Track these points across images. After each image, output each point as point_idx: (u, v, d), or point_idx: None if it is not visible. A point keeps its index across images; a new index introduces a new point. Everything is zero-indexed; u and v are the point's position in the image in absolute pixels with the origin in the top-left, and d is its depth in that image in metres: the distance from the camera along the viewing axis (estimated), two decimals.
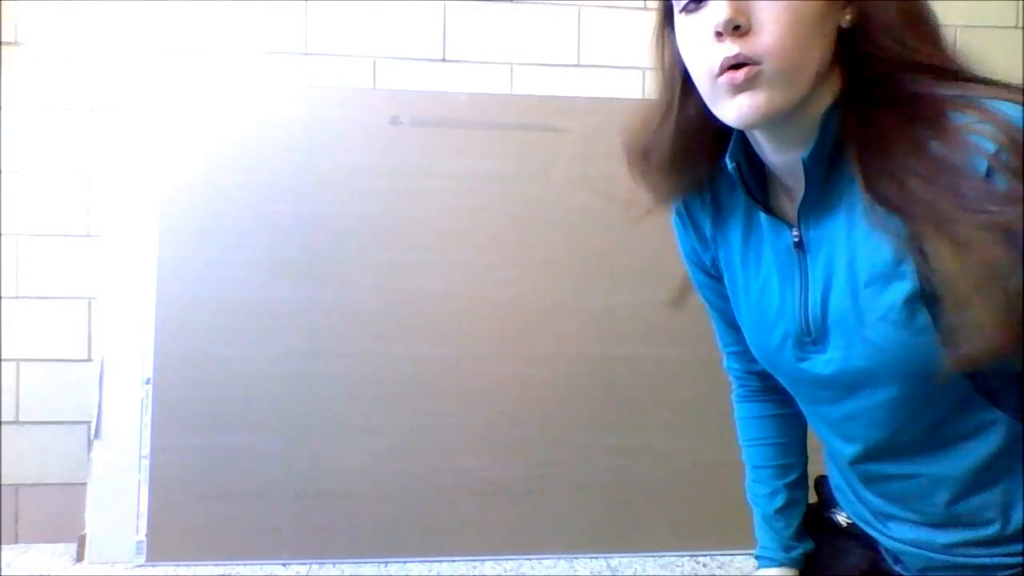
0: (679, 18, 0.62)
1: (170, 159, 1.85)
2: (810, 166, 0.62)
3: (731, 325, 0.84)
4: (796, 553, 0.84)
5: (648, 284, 1.87)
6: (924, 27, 0.61)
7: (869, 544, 0.80)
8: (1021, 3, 2.14)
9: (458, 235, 1.89)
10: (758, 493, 0.88)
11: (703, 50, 0.59)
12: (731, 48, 0.57)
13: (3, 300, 1.91)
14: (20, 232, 1.92)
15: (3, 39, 1.91)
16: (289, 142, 1.87)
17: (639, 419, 1.87)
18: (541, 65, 2.01)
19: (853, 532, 0.82)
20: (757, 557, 0.87)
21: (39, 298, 1.92)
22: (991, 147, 0.53)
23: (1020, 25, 2.14)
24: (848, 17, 0.60)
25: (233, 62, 1.95)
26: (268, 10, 1.96)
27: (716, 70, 0.58)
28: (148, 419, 1.82)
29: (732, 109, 0.59)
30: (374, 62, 1.98)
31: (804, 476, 0.88)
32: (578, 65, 2.01)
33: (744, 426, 0.91)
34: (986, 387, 0.62)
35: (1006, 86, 0.58)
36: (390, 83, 1.98)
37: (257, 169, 1.86)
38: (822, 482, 0.89)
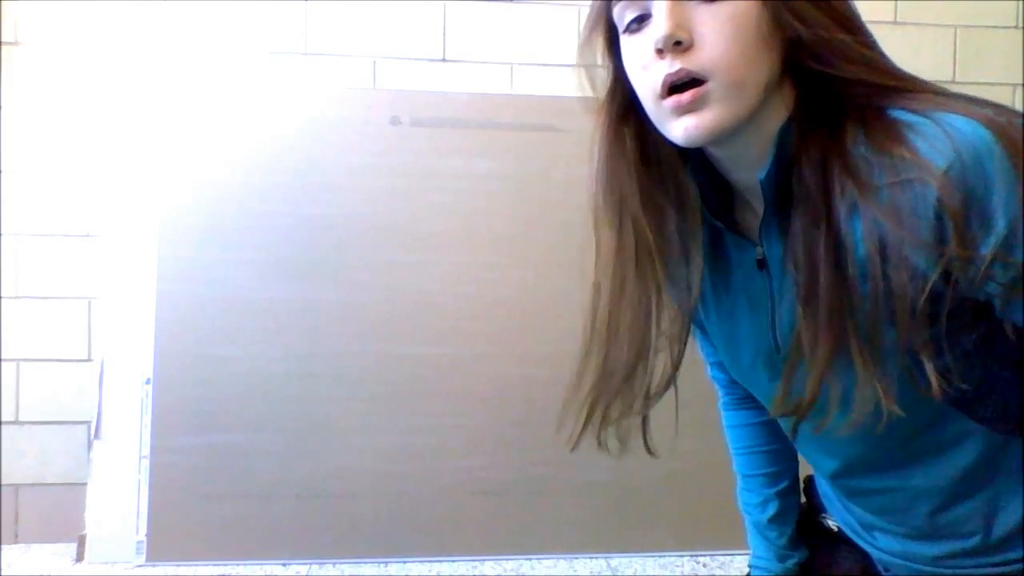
0: (624, 40, 0.61)
1: (170, 159, 1.85)
2: (767, 185, 0.60)
3: (712, 344, 0.83)
4: (791, 563, 0.83)
5: None
6: (859, 31, 0.59)
7: (861, 549, 0.79)
8: (1021, 3, 2.14)
9: (458, 235, 1.89)
10: (749, 502, 0.87)
11: (647, 69, 0.58)
12: (673, 64, 0.55)
13: (3, 300, 1.91)
14: (20, 232, 1.92)
15: (3, 39, 1.91)
16: (289, 142, 1.87)
17: (639, 419, 1.86)
18: (541, 65, 2.01)
19: (844, 537, 0.81)
20: (751, 567, 0.86)
21: (39, 298, 1.92)
22: (932, 197, 0.52)
23: (1020, 25, 2.14)
24: (795, 24, 0.57)
25: (233, 62, 1.95)
26: (268, 10, 1.96)
27: (659, 89, 0.56)
28: (148, 419, 1.82)
29: (679, 129, 0.57)
30: (374, 62, 1.98)
31: (795, 482, 0.87)
32: (578, 65, 2.01)
33: (732, 434, 0.90)
34: (961, 399, 0.61)
35: (954, 96, 0.56)
36: (390, 83, 1.98)
37: (257, 169, 1.86)
38: (811, 483, 0.88)
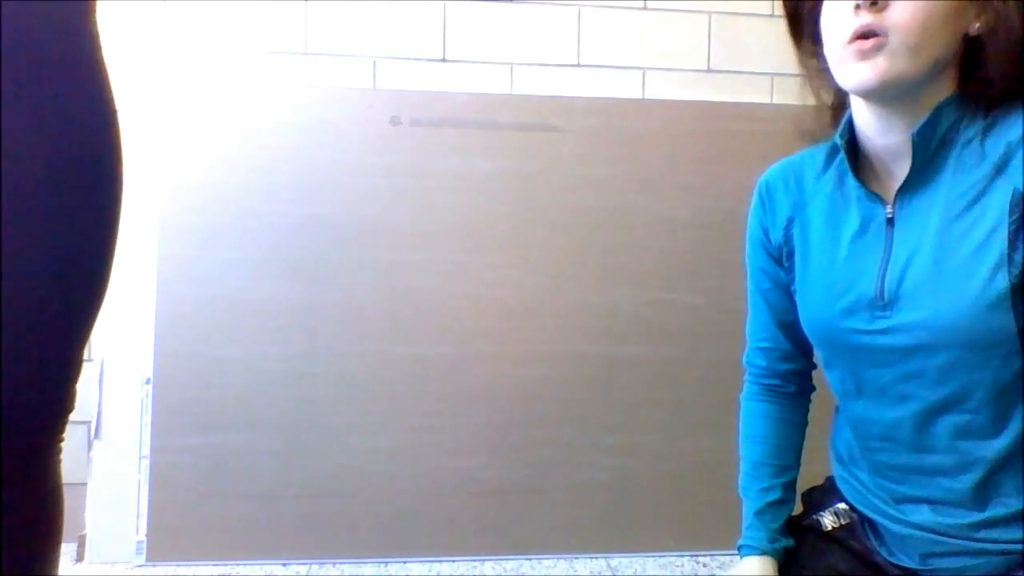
0: (826, 5, 0.73)
1: (170, 159, 1.85)
2: (919, 141, 0.70)
3: (773, 317, 0.90)
4: (779, 545, 0.87)
5: (648, 284, 1.87)
6: None
7: (850, 547, 0.84)
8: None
9: (458, 235, 1.89)
10: (752, 487, 0.90)
11: (841, 22, 0.70)
12: (865, 18, 0.67)
13: None
14: None
15: None
16: (289, 142, 1.87)
17: (639, 419, 1.87)
18: (541, 65, 2.01)
19: (836, 536, 0.85)
20: (740, 547, 0.89)
21: None
22: None
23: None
24: (977, 26, 0.68)
25: (233, 62, 1.95)
26: (268, 10, 1.96)
27: (847, 37, 0.68)
28: (148, 419, 1.82)
29: (854, 73, 0.69)
30: (374, 62, 1.98)
31: (795, 481, 0.92)
32: (578, 65, 2.01)
33: (751, 423, 0.94)
34: None
35: None
36: (390, 83, 1.98)
37: (257, 169, 1.86)
38: (810, 493, 0.93)
